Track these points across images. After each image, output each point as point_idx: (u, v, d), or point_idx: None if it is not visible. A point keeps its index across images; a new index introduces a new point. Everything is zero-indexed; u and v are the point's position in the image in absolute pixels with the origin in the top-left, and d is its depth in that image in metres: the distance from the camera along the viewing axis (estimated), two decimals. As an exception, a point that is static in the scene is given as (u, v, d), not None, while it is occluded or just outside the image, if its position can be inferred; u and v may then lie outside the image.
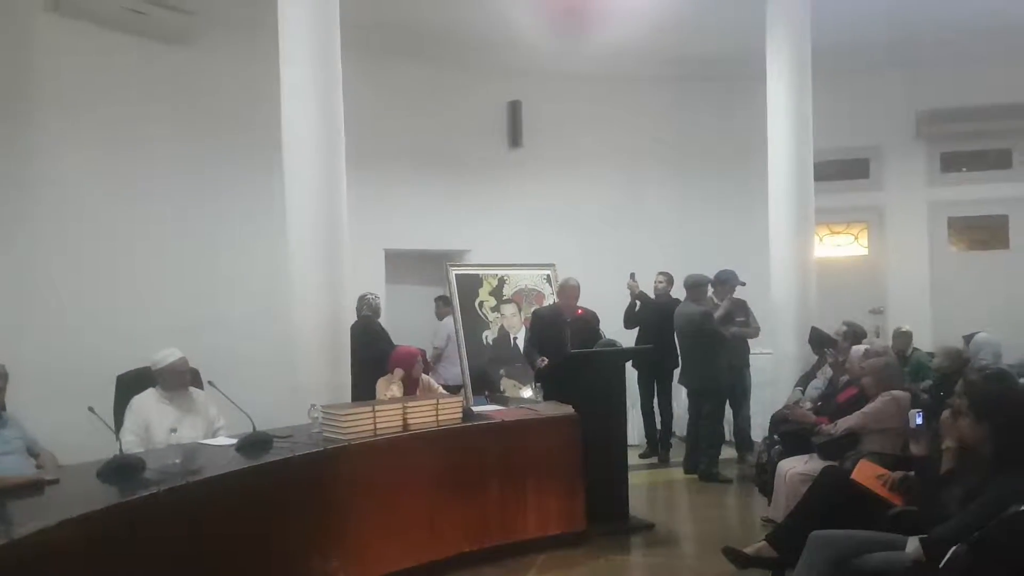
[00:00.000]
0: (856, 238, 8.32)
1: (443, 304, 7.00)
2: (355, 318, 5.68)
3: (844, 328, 5.42)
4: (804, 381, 5.69)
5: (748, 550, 3.39)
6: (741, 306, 6.25)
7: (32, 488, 2.92)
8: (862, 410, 4.09)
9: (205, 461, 3.42)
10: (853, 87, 7.60)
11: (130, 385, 4.30)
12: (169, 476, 3.07)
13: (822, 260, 7.31)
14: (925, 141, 7.88)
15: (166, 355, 4.17)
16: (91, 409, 3.46)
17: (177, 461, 3.23)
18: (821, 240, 8.04)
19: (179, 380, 4.16)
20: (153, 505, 2.83)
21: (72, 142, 5.20)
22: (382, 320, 6.26)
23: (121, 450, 3.28)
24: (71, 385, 4.00)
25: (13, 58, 5.01)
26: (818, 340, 5.68)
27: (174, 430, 3.77)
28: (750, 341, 6.37)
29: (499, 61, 7.41)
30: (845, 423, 4.12)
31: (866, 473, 3.38)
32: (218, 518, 3.08)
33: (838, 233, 8.35)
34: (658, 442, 6.60)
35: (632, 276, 6.70)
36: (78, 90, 5.25)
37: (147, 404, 4.11)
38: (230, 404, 3.89)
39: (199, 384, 4.40)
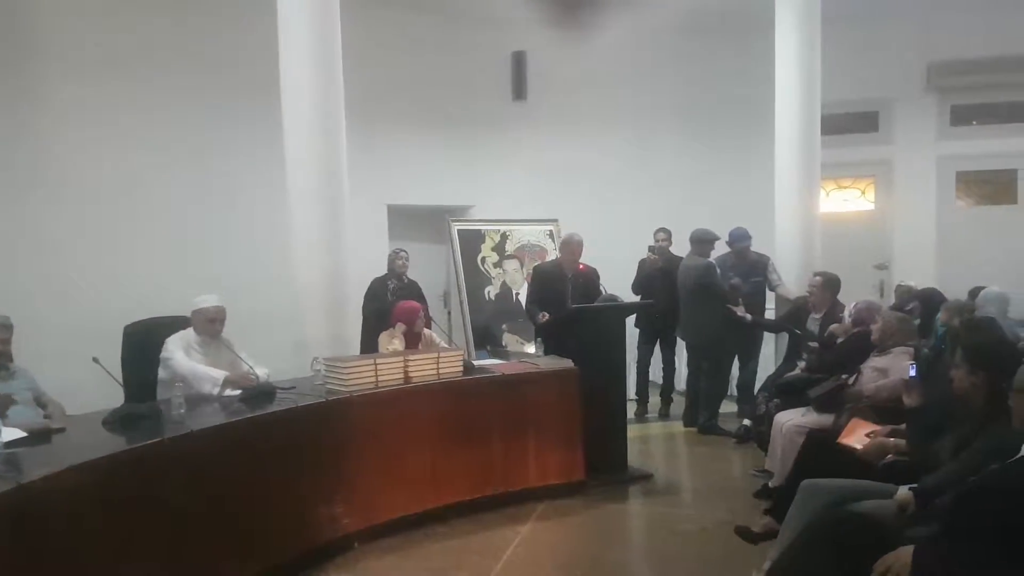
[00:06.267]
0: (863, 192, 8.23)
1: None
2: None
3: (819, 279, 5.41)
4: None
5: (756, 528, 3.37)
6: (762, 264, 6.22)
7: (40, 436, 2.98)
8: (893, 379, 3.95)
9: (210, 411, 3.49)
10: (862, 37, 7.43)
11: (137, 336, 4.26)
12: (174, 425, 3.13)
13: (828, 215, 7.26)
14: (936, 93, 7.73)
15: (204, 299, 4.06)
16: (95, 360, 3.57)
17: (182, 411, 3.29)
18: (828, 195, 7.97)
19: (209, 327, 4.04)
20: (158, 453, 2.89)
21: (69, 99, 5.17)
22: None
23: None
24: (78, 338, 4.05)
25: (3, 5, 4.94)
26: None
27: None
28: (767, 297, 6.33)
29: (503, 10, 7.25)
30: (883, 389, 3.98)
31: (856, 433, 3.41)
32: (223, 466, 3.15)
33: (845, 187, 8.26)
34: (659, 397, 6.63)
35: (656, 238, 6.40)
36: (72, 40, 5.18)
37: (180, 344, 4.00)
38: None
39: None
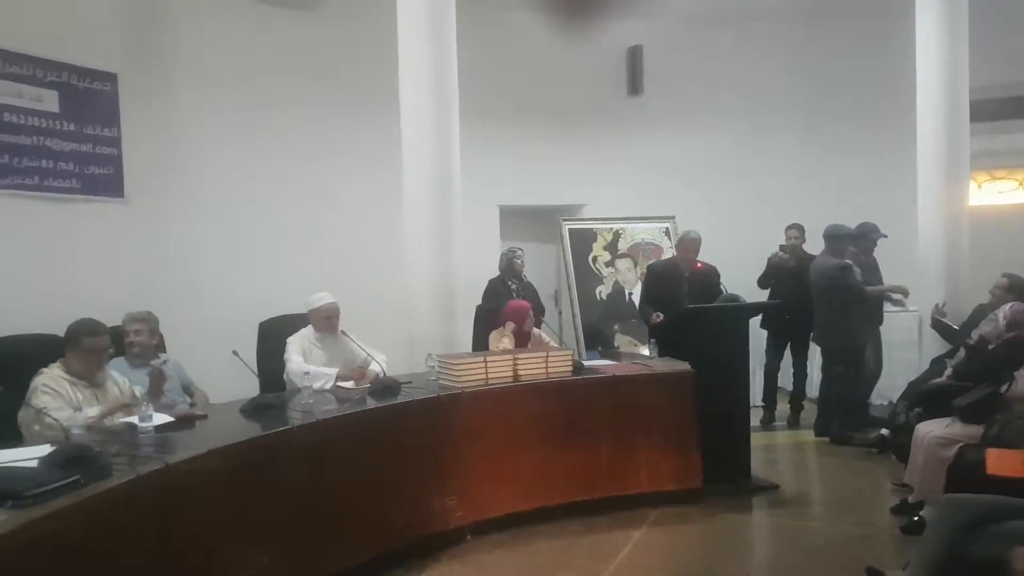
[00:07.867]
0: (1021, 184, 7.44)
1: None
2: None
3: (1005, 280, 4.87)
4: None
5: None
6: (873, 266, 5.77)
7: (185, 422, 3.25)
8: None
9: (336, 402, 3.67)
10: (1015, 12, 6.71)
11: (271, 331, 4.53)
12: (303, 414, 3.32)
13: (980, 209, 6.64)
14: (1106, 72, 6.87)
15: (318, 297, 4.28)
16: (235, 353, 3.84)
17: (311, 401, 3.49)
18: (979, 187, 7.28)
19: (326, 324, 4.24)
20: (287, 440, 3.07)
21: (208, 111, 5.51)
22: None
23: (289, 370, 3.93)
24: (220, 333, 4.33)
25: (151, 28, 5.35)
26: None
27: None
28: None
29: (618, 5, 7.12)
30: None
31: (1005, 462, 3.03)
32: (344, 454, 3.29)
33: (999, 179, 7.51)
34: (788, 404, 6.26)
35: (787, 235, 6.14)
36: (210, 57, 5.53)
37: (298, 345, 4.22)
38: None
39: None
